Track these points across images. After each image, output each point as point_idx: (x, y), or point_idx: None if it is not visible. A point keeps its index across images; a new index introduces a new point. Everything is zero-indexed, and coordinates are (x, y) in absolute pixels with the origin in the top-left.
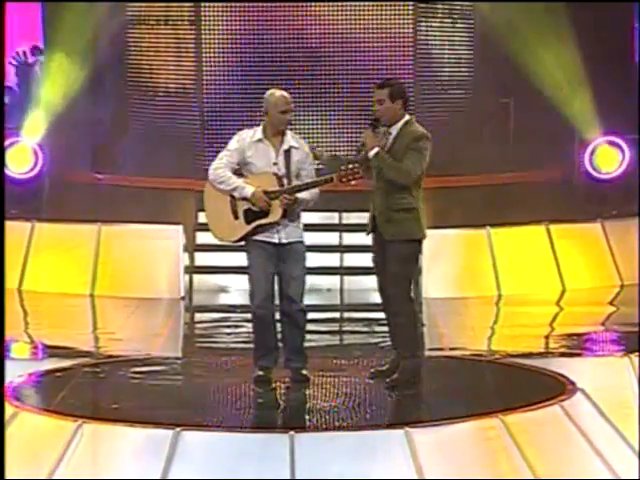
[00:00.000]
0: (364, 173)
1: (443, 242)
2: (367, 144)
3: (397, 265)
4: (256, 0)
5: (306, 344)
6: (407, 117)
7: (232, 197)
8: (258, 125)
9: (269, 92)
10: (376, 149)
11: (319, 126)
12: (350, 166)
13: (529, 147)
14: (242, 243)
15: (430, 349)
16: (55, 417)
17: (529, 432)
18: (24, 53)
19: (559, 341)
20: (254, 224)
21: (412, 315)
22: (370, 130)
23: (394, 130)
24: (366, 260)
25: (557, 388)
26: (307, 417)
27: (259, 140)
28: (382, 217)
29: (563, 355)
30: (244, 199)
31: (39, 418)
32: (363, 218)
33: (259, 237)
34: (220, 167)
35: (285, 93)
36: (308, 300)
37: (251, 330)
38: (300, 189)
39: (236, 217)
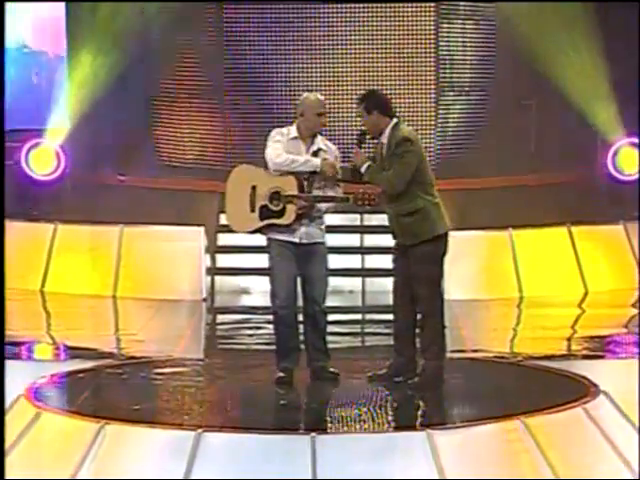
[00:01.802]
0: (378, 200)
1: (465, 244)
2: (357, 162)
3: (417, 267)
4: (278, 1)
5: (329, 346)
6: (394, 121)
7: (253, 189)
8: (284, 125)
9: (305, 95)
10: (366, 164)
11: (341, 129)
12: (369, 191)
13: (551, 149)
14: (264, 243)
15: (452, 351)
16: (77, 418)
17: (551, 434)
18: (48, 61)
19: (581, 343)
20: (266, 222)
21: (439, 317)
22: (357, 147)
23: (384, 138)
24: (387, 262)
25: (579, 390)
26: (329, 419)
27: (294, 138)
28: (394, 224)
29: (585, 357)
30: (314, 173)
31: (61, 419)
32: (384, 220)
33: (280, 237)
34: (281, 153)
35: (320, 96)
36: (330, 302)
37: (272, 331)
38: (316, 200)
39: (252, 210)
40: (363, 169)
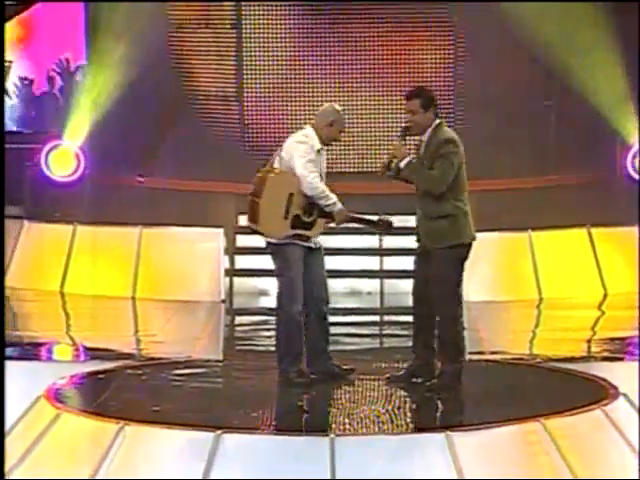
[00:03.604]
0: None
1: (484, 245)
2: (398, 155)
3: (438, 270)
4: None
5: (347, 347)
6: (437, 121)
7: (290, 197)
8: (300, 127)
9: (335, 106)
10: (407, 159)
11: (363, 132)
12: (385, 219)
13: (571, 150)
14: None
15: (471, 352)
16: (97, 419)
17: (571, 436)
18: (67, 60)
19: (601, 345)
20: (296, 231)
21: (457, 320)
22: (399, 141)
23: (425, 137)
24: (406, 263)
25: (599, 392)
26: (347, 420)
27: (319, 150)
28: (421, 226)
29: (605, 359)
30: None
31: (81, 420)
32: (404, 221)
33: (301, 242)
34: (319, 180)
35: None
36: (349, 303)
37: (281, 334)
38: (355, 220)
39: (286, 217)
40: (403, 164)
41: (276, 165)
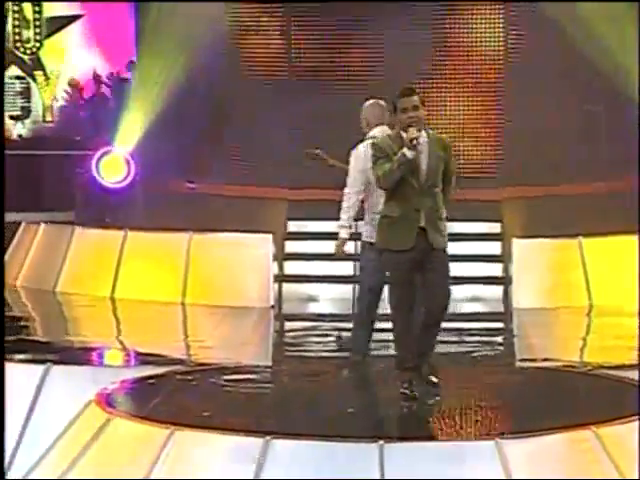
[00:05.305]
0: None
1: (534, 252)
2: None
3: (447, 274)
4: (346, 1)
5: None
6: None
7: None
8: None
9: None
10: (413, 152)
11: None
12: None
13: (621, 155)
14: (332, 251)
15: (521, 360)
16: (148, 424)
17: (623, 445)
18: (117, 72)
19: None
20: None
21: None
22: (416, 130)
23: (424, 134)
24: (457, 269)
25: None
26: (397, 426)
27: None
28: (431, 225)
29: None
30: None
31: (132, 425)
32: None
33: None
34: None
35: None
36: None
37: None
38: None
39: None
40: (411, 155)
41: None
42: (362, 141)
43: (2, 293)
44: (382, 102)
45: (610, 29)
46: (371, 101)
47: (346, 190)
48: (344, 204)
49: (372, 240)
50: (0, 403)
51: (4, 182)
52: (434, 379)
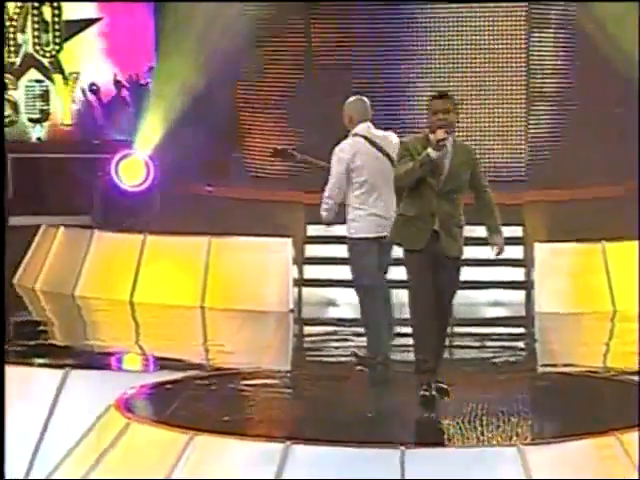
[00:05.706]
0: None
1: (557, 256)
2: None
3: (458, 281)
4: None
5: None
6: None
7: None
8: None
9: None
10: (439, 152)
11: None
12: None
13: None
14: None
15: (543, 365)
16: (167, 429)
17: None
18: (136, 75)
19: None
20: None
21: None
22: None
23: (450, 138)
24: (478, 274)
25: None
26: (418, 432)
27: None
28: (445, 231)
29: None
30: None
31: (151, 430)
32: (468, 231)
33: None
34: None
35: None
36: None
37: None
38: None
39: None
40: (436, 155)
41: None
42: (346, 137)
43: (2, 293)
44: (365, 98)
45: (631, 30)
46: (354, 97)
47: (325, 194)
48: (322, 211)
49: (362, 235)
50: (0, 403)
51: (4, 182)
52: (444, 385)
